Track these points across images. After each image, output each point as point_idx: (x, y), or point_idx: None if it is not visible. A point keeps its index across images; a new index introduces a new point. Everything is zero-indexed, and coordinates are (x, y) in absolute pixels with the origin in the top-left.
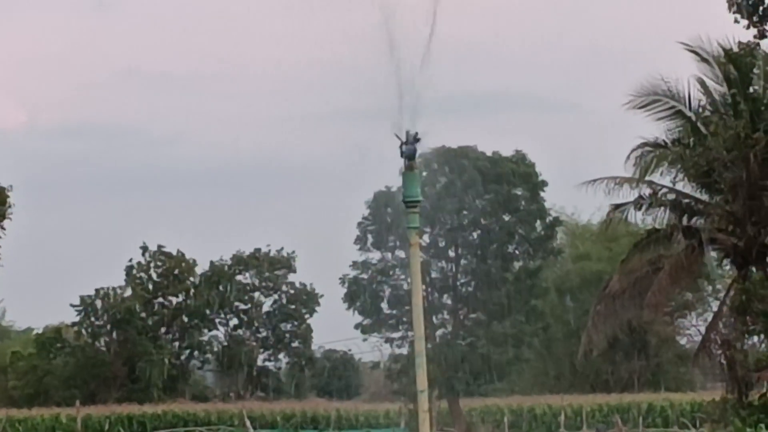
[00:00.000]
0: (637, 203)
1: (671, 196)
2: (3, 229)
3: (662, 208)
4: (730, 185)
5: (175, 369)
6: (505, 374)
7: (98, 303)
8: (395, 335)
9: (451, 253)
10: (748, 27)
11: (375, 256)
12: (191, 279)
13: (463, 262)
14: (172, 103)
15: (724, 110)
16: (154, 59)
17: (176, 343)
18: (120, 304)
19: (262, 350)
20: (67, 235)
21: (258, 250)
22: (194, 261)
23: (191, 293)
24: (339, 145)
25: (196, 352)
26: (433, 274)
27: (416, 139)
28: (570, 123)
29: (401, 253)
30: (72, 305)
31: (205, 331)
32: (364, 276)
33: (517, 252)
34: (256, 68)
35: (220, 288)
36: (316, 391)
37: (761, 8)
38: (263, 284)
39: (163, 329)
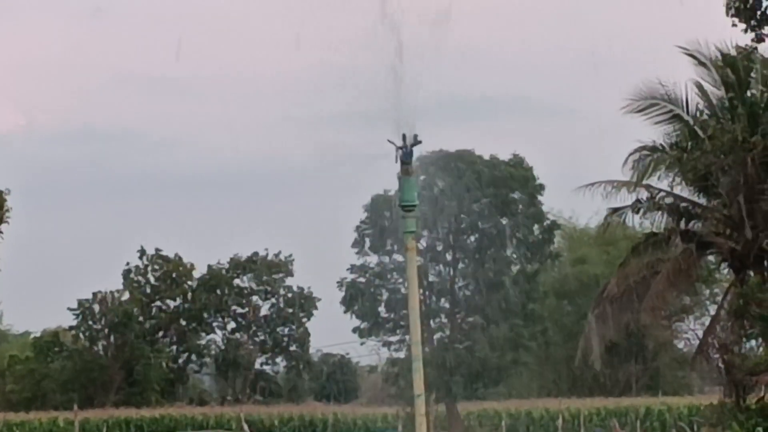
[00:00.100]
0: (635, 207)
1: (669, 200)
2: (1, 233)
3: (660, 211)
4: (727, 189)
5: (173, 373)
6: (503, 378)
7: (96, 307)
8: (393, 339)
9: (449, 257)
10: (745, 31)
11: (373, 259)
12: (189, 283)
13: (460, 265)
14: (170, 107)
15: (721, 114)
16: (152, 63)
17: (174, 347)
18: (118, 308)
19: (259, 354)
20: (65, 239)
21: (256, 253)
22: (192, 265)
23: (189, 297)
24: (337, 148)
25: (193, 356)
26: (431, 278)
27: (416, 142)
28: (568, 127)
29: (399, 257)
30: (70, 309)
31: (203, 334)
32: (362, 280)
33: (514, 256)
34: (254, 72)
35: (218, 292)
36: (313, 395)
37: (759, 12)
38: (261, 288)
39: (160, 333)
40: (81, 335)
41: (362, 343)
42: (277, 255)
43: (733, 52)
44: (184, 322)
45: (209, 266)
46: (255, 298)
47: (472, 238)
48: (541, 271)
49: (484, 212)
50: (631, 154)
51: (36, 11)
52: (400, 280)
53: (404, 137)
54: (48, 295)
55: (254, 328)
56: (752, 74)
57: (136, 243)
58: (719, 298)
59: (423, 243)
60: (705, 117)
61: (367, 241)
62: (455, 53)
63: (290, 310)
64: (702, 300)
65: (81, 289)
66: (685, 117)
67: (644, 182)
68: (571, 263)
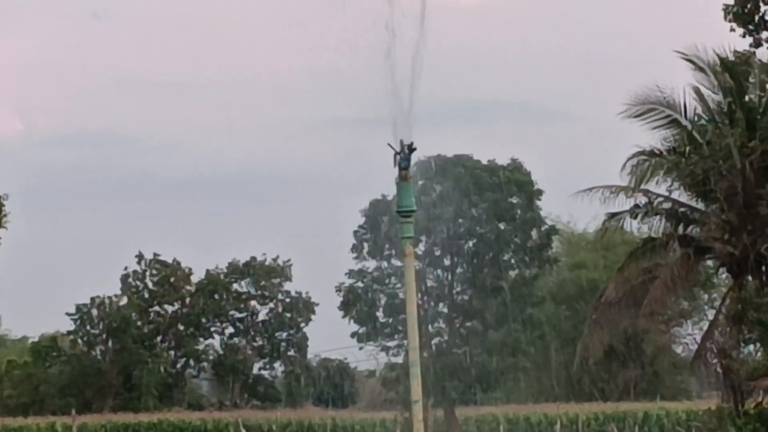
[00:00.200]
0: (633, 212)
1: (667, 205)
2: None
3: (658, 216)
4: (725, 194)
5: (171, 377)
6: (501, 383)
7: (94, 311)
8: (391, 344)
9: (447, 262)
10: (743, 36)
11: (371, 264)
12: (187, 287)
13: (458, 270)
14: (167, 112)
15: (719, 119)
16: (150, 67)
17: (172, 352)
18: (116, 313)
19: (257, 359)
20: (63, 244)
21: (254, 258)
22: (190, 269)
23: (187, 302)
24: (335, 153)
25: (191, 361)
26: (429, 283)
27: (411, 149)
28: (566, 132)
29: (397, 262)
30: (68, 314)
31: (201, 339)
32: (360, 284)
33: (512, 261)
34: (252, 76)
35: (216, 296)
36: (311, 400)
37: (756, 17)
38: (259, 293)
39: (158, 338)
40: (79, 340)
41: (360, 348)
42: (275, 260)
43: (732, 57)
44: (182, 327)
45: (207, 271)
46: (253, 302)
47: (471, 243)
48: (540, 276)
49: (482, 217)
50: (629, 159)
51: (34, 14)
52: (399, 285)
53: (401, 143)
54: (46, 300)
55: (252, 332)
56: (750, 79)
57: (134, 247)
58: (717, 303)
59: (421, 248)
60: (703, 122)
61: (366, 245)
62: (454, 59)
63: (288, 315)
64: (700, 305)
65: (79, 293)
66: (684, 122)
67: (642, 187)
68: (569, 268)
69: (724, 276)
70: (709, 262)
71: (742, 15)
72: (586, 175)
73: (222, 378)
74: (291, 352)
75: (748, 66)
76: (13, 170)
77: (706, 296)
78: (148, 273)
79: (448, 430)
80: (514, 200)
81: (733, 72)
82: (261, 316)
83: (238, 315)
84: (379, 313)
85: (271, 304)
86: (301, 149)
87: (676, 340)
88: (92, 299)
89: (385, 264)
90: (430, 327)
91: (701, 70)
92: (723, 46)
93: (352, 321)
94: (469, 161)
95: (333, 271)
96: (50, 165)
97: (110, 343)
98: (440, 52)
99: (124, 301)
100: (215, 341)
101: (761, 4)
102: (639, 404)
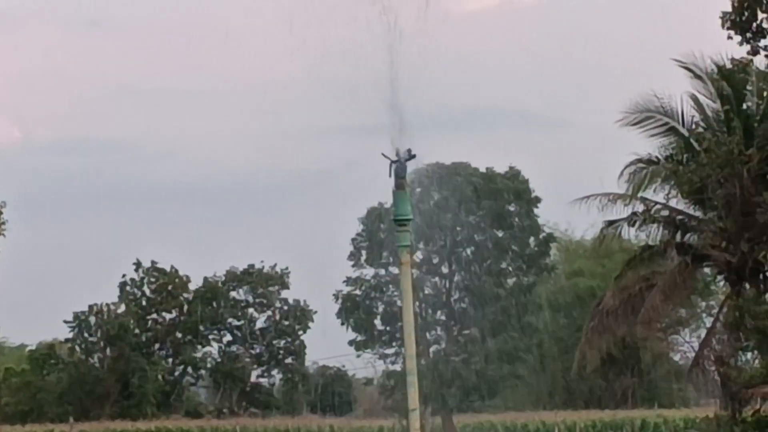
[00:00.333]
0: (631, 220)
1: (665, 213)
2: None
3: (656, 224)
4: (723, 202)
5: (169, 385)
6: (499, 390)
7: (92, 319)
8: (389, 351)
9: (445, 270)
10: (741, 43)
11: (368, 272)
12: (185, 295)
13: (456, 278)
14: (165, 119)
15: (717, 127)
16: (148, 75)
17: (170, 360)
18: (113, 321)
19: (255, 366)
20: (61, 251)
21: (251, 266)
22: (188, 277)
23: (185, 309)
24: (333, 160)
25: (189, 369)
26: (427, 291)
27: (411, 156)
28: (564, 139)
29: (395, 270)
30: (65, 321)
31: (199, 347)
32: (358, 292)
33: (510, 268)
34: (250, 84)
35: (214, 304)
36: (309, 408)
37: (754, 24)
38: (257, 300)
39: (156, 345)
40: (77, 348)
41: (358, 356)
42: (273, 267)
43: (729, 65)
44: (180, 335)
45: (205, 278)
46: (251, 310)
47: (468, 251)
48: (537, 283)
49: (480, 225)
50: (626, 167)
51: (32, 23)
52: (396, 293)
53: (398, 152)
54: (44, 308)
55: (250, 340)
56: (748, 87)
57: (131, 255)
58: (715, 311)
59: (419, 256)
60: (700, 130)
61: (363, 253)
62: (452, 66)
63: (286, 323)
64: (698, 312)
65: (77, 301)
66: (681, 130)
67: (640, 195)
68: (566, 276)
69: (721, 284)
70: (707, 270)
71: (740, 23)
72: (584, 183)
73: (220, 385)
74: (289, 360)
75: (746, 74)
76: (11, 178)
77: (703, 304)
78: (145, 280)
79: None
80: (512, 208)
81: (730, 80)
82: (259, 324)
83: (235, 323)
84: (377, 321)
85: (269, 312)
86: (298, 157)
87: (673, 348)
88: (90, 307)
89: (382, 272)
90: (427, 334)
91: (699, 78)
92: (720, 53)
93: (349, 328)
94: (467, 169)
95: (331, 278)
96: (48, 173)
97: (108, 350)
98: (439, 59)
99: (122, 308)
100: (213, 349)
101: (759, 11)
102: (637, 412)
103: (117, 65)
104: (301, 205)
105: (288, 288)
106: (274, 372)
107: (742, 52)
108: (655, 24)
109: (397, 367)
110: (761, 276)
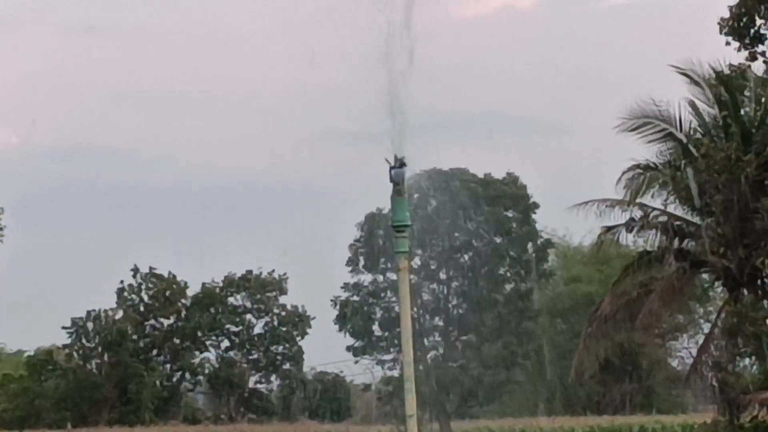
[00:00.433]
0: (629, 225)
1: (662, 219)
2: None
3: (653, 230)
4: (721, 207)
5: (167, 391)
6: (497, 396)
7: (90, 325)
8: (387, 357)
9: (443, 275)
10: (739, 49)
11: (367, 278)
12: (183, 301)
13: (454, 284)
14: (163, 124)
15: (715, 132)
16: (146, 80)
17: (168, 365)
18: (111, 326)
19: (253, 372)
20: (59, 257)
21: (249, 272)
22: (185, 283)
23: (183, 315)
24: (331, 166)
25: (187, 374)
26: (425, 297)
27: (402, 164)
28: (562, 145)
29: (393, 275)
30: (63, 327)
31: (197, 353)
32: (356, 298)
33: (508, 274)
34: (247, 89)
35: (212, 310)
36: (307, 413)
37: (752, 31)
38: (255, 306)
39: (154, 351)
40: (75, 354)
41: (356, 362)
42: (270, 273)
43: (727, 71)
44: (177, 341)
45: (203, 284)
46: (249, 316)
47: (466, 257)
48: (535, 289)
49: (478, 231)
50: (624, 173)
51: (30, 28)
52: (394, 299)
53: (395, 157)
54: (42, 314)
55: (248, 346)
56: (746, 93)
57: (129, 261)
58: (713, 317)
59: (417, 261)
60: (698, 135)
61: (361, 259)
62: (450, 71)
63: (284, 329)
64: (696, 318)
65: (74, 307)
66: (679, 135)
67: (638, 201)
68: (564, 281)
69: (719, 290)
70: (705, 276)
71: (738, 29)
72: (582, 189)
73: (218, 391)
74: (287, 366)
75: (744, 80)
76: (8, 183)
77: (701, 310)
78: (143, 286)
79: None
80: (510, 214)
81: (728, 86)
82: (257, 330)
83: (233, 328)
84: (375, 327)
85: (267, 318)
86: (296, 162)
87: (671, 354)
88: (88, 313)
89: (380, 277)
90: (425, 340)
91: (696, 83)
92: (718, 59)
93: (347, 334)
94: (465, 175)
95: (329, 284)
96: (46, 178)
97: (106, 356)
98: (436, 65)
99: (120, 314)
100: (211, 355)
101: (756, 18)
102: (635, 418)
103: (115, 70)
104: (299, 211)
105: (286, 294)
106: (272, 378)
107: (740, 57)
108: (653, 30)
109: (395, 373)
110: (759, 282)
